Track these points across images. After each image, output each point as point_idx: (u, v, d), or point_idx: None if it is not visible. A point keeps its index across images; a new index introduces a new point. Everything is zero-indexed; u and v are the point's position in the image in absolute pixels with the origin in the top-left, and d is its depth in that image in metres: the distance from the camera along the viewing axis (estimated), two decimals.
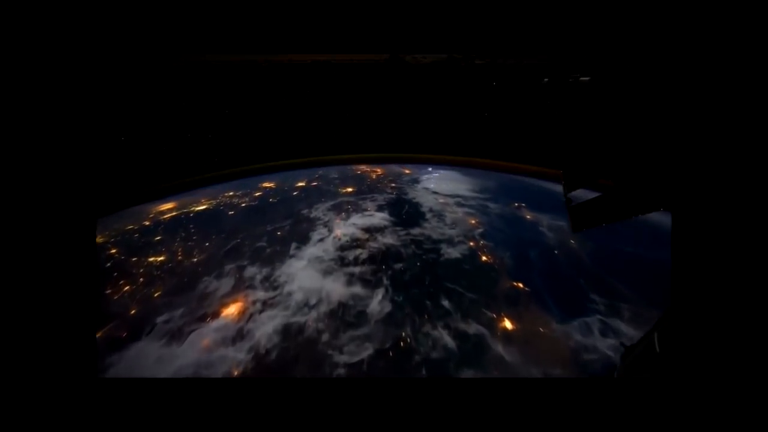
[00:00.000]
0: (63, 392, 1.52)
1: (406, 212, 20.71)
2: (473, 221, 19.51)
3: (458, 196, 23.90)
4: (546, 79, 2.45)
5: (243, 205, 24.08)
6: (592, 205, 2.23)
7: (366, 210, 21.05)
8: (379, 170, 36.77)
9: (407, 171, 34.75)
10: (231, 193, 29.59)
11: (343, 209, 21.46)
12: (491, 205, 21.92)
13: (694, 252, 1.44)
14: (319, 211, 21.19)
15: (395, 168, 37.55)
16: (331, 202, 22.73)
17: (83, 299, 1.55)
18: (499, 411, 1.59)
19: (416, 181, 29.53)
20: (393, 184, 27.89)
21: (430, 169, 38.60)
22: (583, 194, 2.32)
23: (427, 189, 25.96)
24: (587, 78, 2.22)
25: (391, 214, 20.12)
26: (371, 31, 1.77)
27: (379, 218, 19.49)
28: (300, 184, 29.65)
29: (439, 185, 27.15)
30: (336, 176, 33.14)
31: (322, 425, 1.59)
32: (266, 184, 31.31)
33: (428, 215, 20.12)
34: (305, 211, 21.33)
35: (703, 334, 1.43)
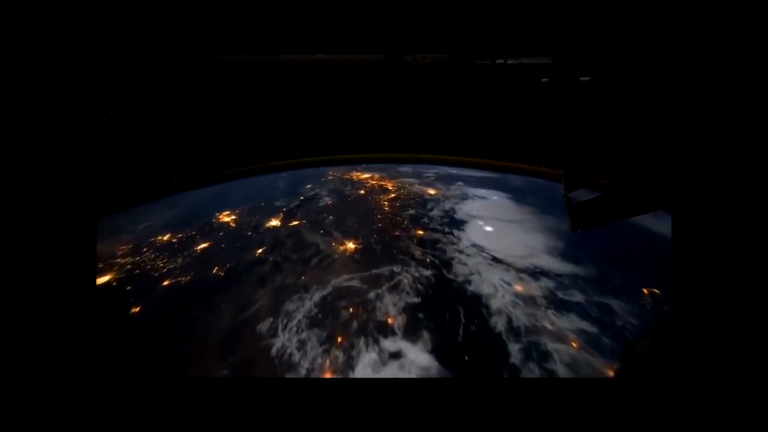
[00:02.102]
0: (62, 392, 1.51)
1: (463, 338, 10.39)
2: None
3: (541, 271, 13.45)
4: (545, 79, 2.41)
5: (164, 284, 13.66)
6: (592, 204, 2.21)
7: (384, 329, 10.60)
8: (390, 187, 26.02)
9: (432, 192, 24.06)
10: (166, 237, 19.14)
11: (338, 324, 10.81)
12: (614, 304, 11.66)
13: (694, 252, 1.44)
14: (290, 331, 10.66)
15: (413, 184, 26.71)
16: (318, 295, 12.13)
17: (83, 299, 1.55)
18: (499, 411, 1.60)
19: (453, 219, 18.81)
20: (420, 231, 17.32)
21: (460, 183, 27.94)
22: (582, 194, 2.31)
23: (481, 249, 15.40)
24: (587, 78, 2.21)
25: (435, 350, 9.83)
26: (371, 31, 1.76)
27: (416, 370, 9.29)
28: (272, 223, 19.00)
29: (497, 237, 16.54)
30: (329, 201, 22.49)
31: (321, 425, 1.58)
32: (224, 219, 20.76)
33: (513, 348, 9.90)
34: (264, 327, 10.89)
35: (703, 334, 1.43)
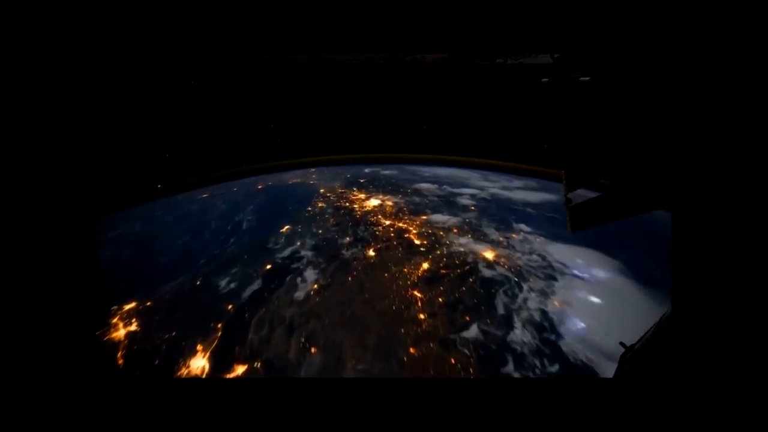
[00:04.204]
0: (63, 392, 1.47)
1: None
2: None
3: None
4: (545, 79, 2.37)
5: None
6: (591, 204, 2.14)
7: None
8: (415, 238, 15.21)
9: (489, 255, 13.47)
10: None
11: None
12: None
13: (694, 252, 1.41)
14: None
15: (451, 230, 16.26)
16: None
17: (83, 299, 1.51)
18: (499, 411, 1.54)
19: (572, 366, 8.84)
20: None
21: (522, 226, 17.49)
22: (580, 195, 2.17)
23: None
24: (587, 78, 2.16)
25: None
26: (371, 31, 1.74)
27: None
28: (195, 365, 9.14)
29: None
30: (314, 283, 12.28)
31: (321, 425, 1.53)
32: (118, 332, 10.85)
33: None
34: None
35: (703, 334, 1.39)
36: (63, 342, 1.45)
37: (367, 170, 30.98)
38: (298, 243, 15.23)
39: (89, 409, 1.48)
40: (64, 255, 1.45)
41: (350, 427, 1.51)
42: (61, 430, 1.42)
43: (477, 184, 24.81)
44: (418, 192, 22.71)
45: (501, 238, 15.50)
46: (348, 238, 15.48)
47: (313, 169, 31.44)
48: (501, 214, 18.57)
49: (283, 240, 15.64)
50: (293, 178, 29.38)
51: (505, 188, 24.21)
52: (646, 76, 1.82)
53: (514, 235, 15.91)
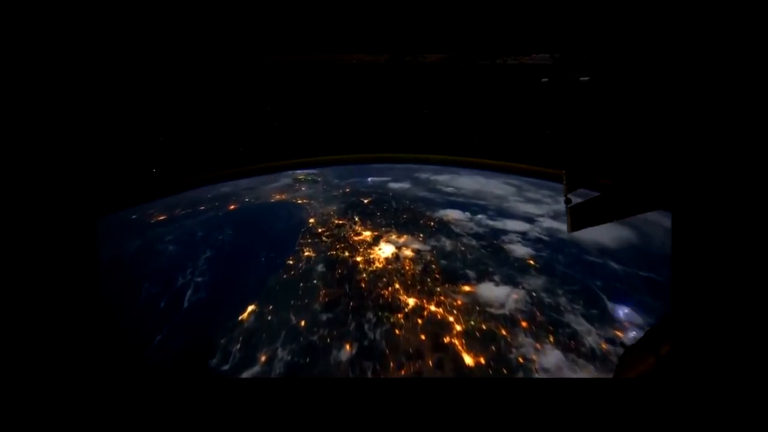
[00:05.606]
0: (63, 392, 1.49)
1: None
2: None
3: None
4: (545, 79, 2.36)
5: None
6: (591, 204, 2.15)
7: None
8: (462, 354, 8.87)
9: None
10: None
11: None
12: None
13: (694, 252, 1.43)
14: None
15: (517, 333, 9.61)
16: None
17: (83, 299, 1.54)
18: (499, 411, 1.57)
19: None
20: None
21: (627, 314, 10.93)
22: (578, 196, 2.21)
23: None
24: (587, 78, 2.17)
25: None
26: (372, 31, 1.76)
27: None
28: None
29: None
30: None
31: (321, 425, 1.56)
32: None
33: None
34: None
35: (703, 334, 1.41)
36: (62, 342, 1.44)
37: (370, 180, 24.39)
38: (263, 357, 8.79)
39: (89, 408, 1.47)
40: (64, 255, 1.43)
41: (350, 427, 1.51)
42: (61, 430, 1.42)
43: (520, 211, 18.33)
44: (445, 227, 16.23)
45: (604, 345, 9.11)
46: (348, 347, 9.04)
47: (304, 174, 24.88)
48: (578, 277, 12.19)
49: (239, 346, 9.20)
50: (278, 192, 22.80)
51: (557, 216, 17.73)
52: (646, 76, 1.79)
53: (619, 334, 9.56)
